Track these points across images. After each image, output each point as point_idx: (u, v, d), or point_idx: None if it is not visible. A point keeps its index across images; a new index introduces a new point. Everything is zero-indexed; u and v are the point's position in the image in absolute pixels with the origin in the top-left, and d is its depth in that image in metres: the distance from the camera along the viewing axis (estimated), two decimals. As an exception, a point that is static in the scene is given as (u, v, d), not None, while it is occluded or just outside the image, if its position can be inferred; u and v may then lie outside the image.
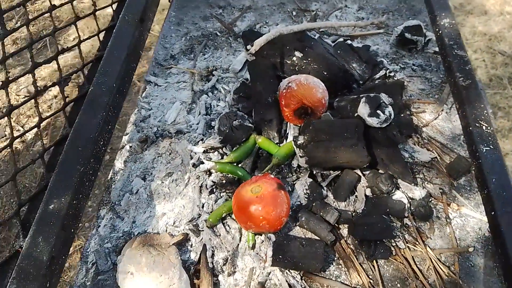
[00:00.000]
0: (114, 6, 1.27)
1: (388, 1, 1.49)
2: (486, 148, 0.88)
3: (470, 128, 0.92)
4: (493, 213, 0.80)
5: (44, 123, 1.27)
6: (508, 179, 0.84)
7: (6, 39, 1.00)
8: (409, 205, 0.95)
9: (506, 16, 2.99)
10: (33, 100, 0.97)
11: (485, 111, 0.94)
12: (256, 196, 0.88)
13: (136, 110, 1.30)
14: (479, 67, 2.75)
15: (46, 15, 1.08)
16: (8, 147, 0.89)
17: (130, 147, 1.21)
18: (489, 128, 0.91)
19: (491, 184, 0.83)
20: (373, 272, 0.88)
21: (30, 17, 1.03)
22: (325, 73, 1.07)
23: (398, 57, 1.28)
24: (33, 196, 0.88)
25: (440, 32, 1.12)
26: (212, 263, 0.94)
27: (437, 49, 1.25)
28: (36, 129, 0.94)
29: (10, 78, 0.95)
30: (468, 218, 0.94)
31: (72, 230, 0.91)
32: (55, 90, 2.22)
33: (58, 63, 1.05)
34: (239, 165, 1.05)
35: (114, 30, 1.18)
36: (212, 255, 0.95)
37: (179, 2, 1.68)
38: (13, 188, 1.02)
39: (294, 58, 1.11)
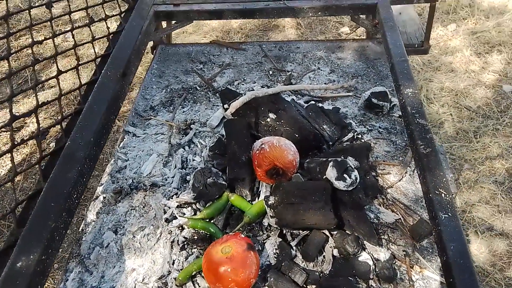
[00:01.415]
0: (98, 61, 1.31)
1: (357, 66, 1.59)
2: (445, 216, 0.93)
3: (430, 195, 0.98)
4: (451, 280, 0.85)
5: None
6: (465, 246, 0.89)
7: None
8: (374, 266, 0.98)
9: (471, 73, 3.21)
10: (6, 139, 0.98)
11: (444, 179, 1.01)
12: (226, 257, 0.90)
13: (112, 160, 1.32)
14: (446, 121, 2.90)
15: (29, 68, 1.11)
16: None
17: (104, 198, 1.22)
18: (447, 196, 0.97)
19: (450, 251, 0.87)
20: (338, 335, 0.90)
21: (13, 70, 1.06)
22: (297, 135, 1.13)
23: (366, 119, 1.37)
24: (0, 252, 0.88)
25: (403, 100, 1.20)
26: (180, 324, 0.94)
27: (401, 114, 1.34)
28: (9, 183, 0.95)
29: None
30: (430, 280, 0.98)
31: (39, 287, 0.90)
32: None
33: (37, 117, 1.08)
34: (212, 221, 1.07)
35: (96, 85, 1.22)
36: (181, 315, 0.95)
37: (162, 55, 1.75)
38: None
39: (268, 120, 1.17)
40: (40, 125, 1.08)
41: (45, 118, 2.55)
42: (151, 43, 1.78)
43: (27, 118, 2.79)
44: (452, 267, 0.85)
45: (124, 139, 1.39)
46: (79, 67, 1.26)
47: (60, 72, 1.18)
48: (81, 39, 1.27)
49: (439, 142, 2.77)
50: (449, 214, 0.93)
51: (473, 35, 3.48)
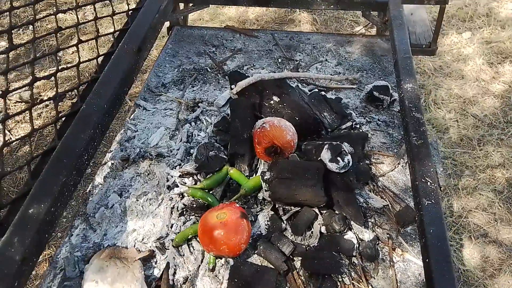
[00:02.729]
0: (116, 34, 1.38)
1: (364, 60, 1.64)
2: (428, 202, 0.99)
3: (417, 183, 1.03)
4: (427, 260, 0.90)
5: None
6: (444, 231, 0.94)
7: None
8: (358, 245, 1.04)
9: (481, 82, 3.23)
10: (23, 107, 1.06)
11: (432, 169, 1.06)
12: (220, 222, 0.97)
13: (122, 130, 1.40)
14: (452, 127, 2.93)
15: (50, 38, 1.19)
16: (-1, 151, 0.97)
17: (112, 164, 1.29)
18: (433, 184, 1.03)
19: (429, 235, 0.93)
20: (318, 304, 0.96)
21: (37, 35, 1.13)
22: (297, 118, 1.19)
23: (366, 111, 1.42)
24: (14, 199, 0.95)
25: (402, 94, 1.26)
26: (173, 281, 1.01)
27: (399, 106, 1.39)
28: (27, 138, 1.03)
29: (10, 88, 1.04)
30: (410, 263, 1.04)
31: (46, 236, 0.98)
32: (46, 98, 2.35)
33: (56, 81, 1.15)
34: (210, 191, 1.14)
35: (112, 57, 1.29)
36: (174, 273, 1.02)
37: (177, 36, 1.82)
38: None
39: (272, 102, 1.23)
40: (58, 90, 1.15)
41: (62, 86, 2.69)
42: (167, 24, 1.84)
43: (42, 91, 2.92)
44: (429, 249, 0.91)
45: (135, 112, 1.46)
46: (97, 39, 1.33)
47: (80, 41, 1.25)
48: (101, 15, 1.33)
49: (443, 147, 2.80)
50: (432, 201, 0.99)
51: (487, 44, 3.49)
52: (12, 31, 1.10)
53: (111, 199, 1.19)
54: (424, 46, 1.76)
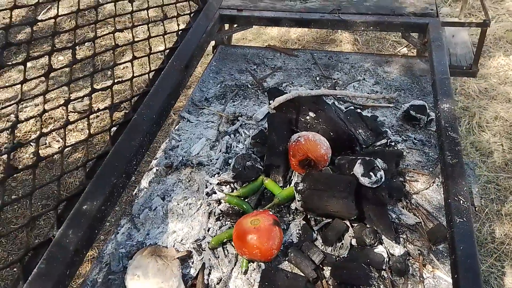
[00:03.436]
0: (166, 52, 1.51)
1: (402, 80, 1.67)
2: (460, 220, 1.00)
3: (449, 201, 1.04)
4: (456, 276, 0.91)
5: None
6: (475, 249, 0.95)
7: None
8: (388, 259, 1.06)
9: (528, 106, 3.11)
10: (75, 117, 1.18)
11: (465, 188, 1.07)
12: (254, 227, 1.03)
13: (167, 139, 1.51)
14: (496, 151, 2.84)
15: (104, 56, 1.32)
16: (59, 154, 1.09)
17: (157, 170, 1.39)
18: (465, 203, 1.03)
19: (459, 251, 0.94)
20: (345, 313, 0.99)
21: (97, 51, 1.26)
22: (332, 133, 1.24)
23: (402, 130, 1.44)
24: (70, 196, 1.06)
25: (439, 114, 1.27)
26: (208, 281, 1.08)
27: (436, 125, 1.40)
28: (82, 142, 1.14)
29: (71, 98, 1.17)
30: (441, 280, 1.05)
31: (96, 231, 1.08)
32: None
33: (112, 93, 1.28)
34: (246, 199, 1.21)
35: (162, 72, 1.41)
36: (209, 273, 1.09)
37: (221, 54, 1.93)
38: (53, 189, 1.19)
39: (308, 117, 1.29)
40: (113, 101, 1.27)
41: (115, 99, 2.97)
42: (212, 43, 1.96)
43: (93, 103, 3.16)
44: (458, 265, 0.92)
45: (179, 123, 1.57)
46: (150, 56, 1.45)
47: (134, 57, 1.38)
48: (153, 34, 1.47)
49: (486, 170, 2.72)
50: (464, 219, 0.99)
51: (536, 67, 3.37)
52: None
53: (154, 202, 1.29)
54: (464, 67, 1.76)
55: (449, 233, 1.00)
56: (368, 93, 1.57)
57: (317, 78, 1.72)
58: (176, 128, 1.55)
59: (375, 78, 1.69)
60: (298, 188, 1.11)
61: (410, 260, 1.08)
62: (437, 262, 1.08)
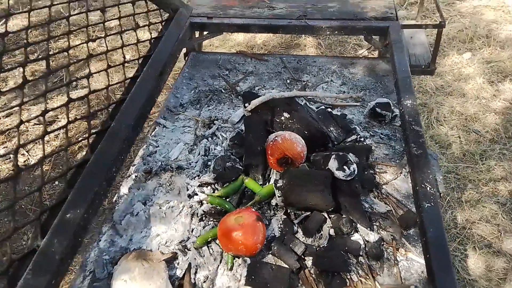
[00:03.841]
0: (140, 60, 1.53)
1: (366, 80, 1.77)
2: (428, 205, 1.09)
3: (417, 188, 1.13)
4: (428, 256, 0.99)
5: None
6: (443, 231, 1.04)
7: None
8: (364, 246, 1.13)
9: (482, 100, 3.33)
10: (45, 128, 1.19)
11: (431, 176, 1.16)
12: (238, 224, 1.07)
13: (144, 146, 1.52)
14: (454, 143, 3.02)
15: (83, 61, 1.34)
16: (38, 165, 1.09)
17: (136, 176, 1.41)
18: (432, 189, 1.12)
19: (429, 233, 1.03)
20: (328, 299, 1.05)
21: (71, 61, 1.27)
22: (306, 132, 1.30)
23: (370, 126, 1.53)
24: (53, 206, 1.07)
25: (403, 110, 1.37)
26: (195, 280, 1.11)
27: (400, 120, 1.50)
28: (63, 152, 1.15)
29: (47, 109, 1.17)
30: (413, 262, 1.13)
31: (80, 239, 1.09)
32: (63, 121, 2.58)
33: (88, 102, 1.29)
34: (227, 199, 1.25)
35: (138, 80, 1.43)
36: (196, 272, 1.12)
37: (193, 61, 1.96)
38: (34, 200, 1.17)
39: (282, 118, 1.35)
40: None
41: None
42: (184, 50, 1.99)
43: (60, 114, 3.12)
44: (429, 246, 1.00)
45: (156, 129, 1.59)
46: (124, 64, 1.47)
47: (109, 66, 1.40)
48: (126, 42, 1.49)
49: (446, 161, 2.89)
50: (432, 204, 1.08)
51: (487, 64, 3.61)
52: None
53: (136, 207, 1.30)
54: (423, 66, 1.88)
55: (419, 217, 1.09)
56: (336, 93, 1.65)
57: (288, 81, 1.79)
58: (152, 134, 1.57)
59: (342, 79, 1.79)
60: (278, 185, 1.16)
61: (384, 245, 1.16)
62: (409, 246, 1.16)
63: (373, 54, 3.68)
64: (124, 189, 1.38)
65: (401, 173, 1.36)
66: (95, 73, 1.36)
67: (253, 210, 1.14)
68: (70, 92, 1.21)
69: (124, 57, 1.47)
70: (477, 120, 3.17)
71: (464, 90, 3.44)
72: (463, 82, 3.51)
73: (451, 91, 3.44)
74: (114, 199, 1.36)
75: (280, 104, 1.39)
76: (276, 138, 1.24)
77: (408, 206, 1.26)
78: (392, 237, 1.18)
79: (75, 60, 1.38)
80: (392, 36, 1.71)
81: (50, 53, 1.26)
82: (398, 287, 1.07)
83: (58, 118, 3.18)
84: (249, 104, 1.30)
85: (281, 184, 1.16)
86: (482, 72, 3.54)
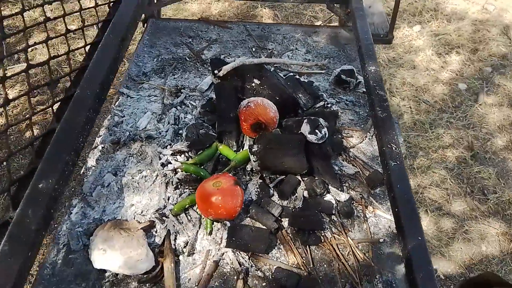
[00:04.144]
0: (100, 24, 1.45)
1: (330, 48, 1.81)
2: (394, 163, 1.16)
3: (384, 148, 1.20)
4: (396, 209, 1.07)
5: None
6: (409, 185, 1.11)
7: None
8: (336, 205, 1.19)
9: (431, 71, 3.52)
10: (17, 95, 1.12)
11: (396, 137, 1.23)
12: (217, 188, 1.08)
13: (109, 116, 1.47)
14: (406, 113, 3.19)
15: (41, 24, 1.25)
16: (3, 134, 1.02)
17: (103, 147, 1.36)
18: (397, 149, 1.19)
19: (396, 189, 1.10)
20: (306, 255, 1.10)
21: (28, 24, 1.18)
22: (277, 98, 1.32)
23: (335, 93, 1.58)
24: (22, 176, 1.01)
25: (367, 75, 1.42)
26: (174, 245, 1.11)
27: (365, 89, 1.56)
28: (27, 120, 1.08)
29: (7, 75, 1.09)
30: (381, 218, 1.21)
31: (52, 211, 1.04)
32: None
33: (49, 67, 1.21)
34: (202, 166, 1.25)
35: (100, 45, 1.36)
36: (175, 239, 1.12)
37: (152, 28, 1.89)
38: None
39: (253, 84, 1.36)
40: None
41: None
42: (142, 17, 1.91)
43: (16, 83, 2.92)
44: (397, 201, 1.07)
45: (119, 99, 1.53)
46: (84, 29, 1.39)
47: (68, 31, 1.31)
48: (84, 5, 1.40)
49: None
50: (398, 162, 1.15)
51: (435, 36, 3.80)
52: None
53: (106, 179, 1.27)
54: (382, 35, 1.95)
55: (386, 175, 1.16)
56: (302, 61, 1.67)
57: (253, 49, 1.78)
58: (116, 104, 1.51)
59: (306, 47, 1.81)
60: (253, 149, 1.18)
61: (354, 204, 1.23)
62: (376, 203, 1.24)
63: (327, 26, 3.74)
64: (91, 161, 1.33)
65: (366, 137, 1.43)
66: (54, 37, 1.28)
67: (230, 175, 1.15)
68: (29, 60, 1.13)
69: (83, 21, 1.39)
70: (426, 91, 3.35)
71: (415, 62, 3.61)
72: (414, 54, 3.67)
73: (402, 63, 3.59)
74: (82, 171, 1.31)
75: (250, 71, 1.39)
76: (249, 103, 1.25)
77: (374, 168, 1.33)
78: (361, 196, 1.25)
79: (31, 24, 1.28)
80: (354, 4, 1.75)
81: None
82: (369, 240, 1.15)
83: (15, 87, 3.00)
84: (220, 70, 1.29)
85: (257, 149, 1.18)
86: (430, 44, 3.72)
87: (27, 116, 1.10)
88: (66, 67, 3.09)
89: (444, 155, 2.93)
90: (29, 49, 1.42)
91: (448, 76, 3.47)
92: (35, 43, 1.22)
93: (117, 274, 1.07)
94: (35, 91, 2.49)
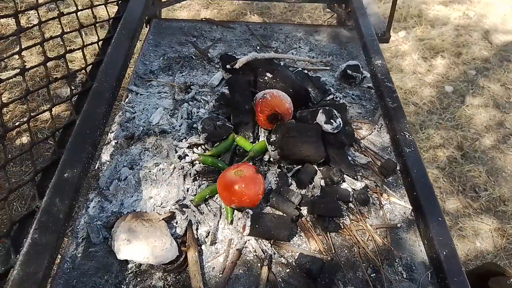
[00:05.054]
0: (111, 21, 1.46)
1: (332, 47, 1.86)
2: (409, 150, 1.20)
3: (397, 136, 1.24)
4: (415, 193, 1.10)
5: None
6: (424, 170, 1.15)
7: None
8: (352, 193, 1.22)
9: (418, 75, 3.63)
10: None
11: (407, 125, 1.27)
12: (240, 177, 1.09)
13: (120, 113, 1.47)
14: (397, 114, 3.27)
15: (56, 20, 1.25)
16: (26, 124, 1.01)
17: (116, 143, 1.36)
18: (410, 136, 1.24)
19: (413, 173, 1.13)
20: (327, 241, 1.12)
21: (43, 19, 1.18)
22: (291, 90, 1.35)
23: (341, 88, 1.62)
24: (46, 166, 1.01)
25: (374, 69, 1.47)
26: (197, 235, 1.12)
27: (370, 84, 1.61)
28: (47, 112, 1.08)
29: (26, 67, 1.09)
30: (396, 205, 1.24)
31: (73, 202, 1.04)
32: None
33: (66, 60, 1.21)
34: (219, 158, 1.26)
35: (113, 41, 1.37)
36: (197, 229, 1.13)
37: (156, 28, 1.90)
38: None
39: (266, 78, 1.38)
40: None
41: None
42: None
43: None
44: (415, 184, 1.11)
45: (129, 96, 1.53)
46: (96, 25, 1.39)
47: (81, 26, 1.31)
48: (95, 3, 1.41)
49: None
50: (412, 148, 1.19)
51: (420, 41, 3.93)
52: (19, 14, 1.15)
53: (123, 172, 1.26)
54: (379, 35, 2.01)
55: (401, 161, 1.20)
56: (309, 58, 1.71)
57: (258, 48, 1.81)
58: (126, 101, 1.51)
59: (309, 46, 1.85)
60: (271, 139, 1.20)
61: (369, 192, 1.26)
62: (390, 191, 1.27)
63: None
64: (105, 156, 1.33)
65: (374, 129, 1.47)
66: (68, 32, 1.28)
67: (250, 164, 1.17)
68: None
69: (95, 17, 1.40)
70: (415, 94, 3.45)
71: (402, 66, 3.71)
72: (400, 59, 3.78)
73: (390, 67, 3.69)
74: (96, 166, 1.30)
75: (262, 65, 1.41)
76: (265, 95, 1.27)
77: (385, 157, 1.37)
78: (375, 184, 1.28)
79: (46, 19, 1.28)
80: (355, 3, 1.81)
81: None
82: (386, 226, 1.17)
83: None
84: (236, 63, 1.31)
85: (275, 139, 1.20)
86: (416, 49, 3.84)
87: (46, 108, 1.09)
88: (75, 65, 3.15)
89: (436, 154, 3.01)
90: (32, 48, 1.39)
91: (435, 79, 3.59)
92: (51, 37, 1.22)
93: (140, 265, 1.07)
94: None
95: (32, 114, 1.00)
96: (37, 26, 1.18)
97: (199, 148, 1.29)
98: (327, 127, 1.25)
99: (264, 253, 1.08)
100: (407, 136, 1.22)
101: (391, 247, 1.13)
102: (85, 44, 1.28)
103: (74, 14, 1.34)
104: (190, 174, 1.24)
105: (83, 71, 1.25)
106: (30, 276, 0.81)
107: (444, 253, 0.96)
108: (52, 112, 1.08)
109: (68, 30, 1.26)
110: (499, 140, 3.10)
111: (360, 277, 1.06)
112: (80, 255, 1.09)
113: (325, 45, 1.86)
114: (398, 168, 1.27)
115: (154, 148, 1.33)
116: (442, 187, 2.83)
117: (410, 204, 1.16)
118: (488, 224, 2.61)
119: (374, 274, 1.07)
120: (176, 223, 1.15)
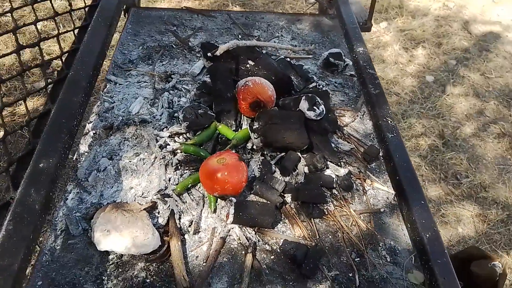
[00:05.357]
0: (87, 9, 1.41)
1: (314, 35, 1.85)
2: (391, 135, 1.20)
3: (380, 122, 1.24)
4: (397, 177, 1.11)
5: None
6: (407, 154, 1.16)
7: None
8: (336, 179, 1.22)
9: (399, 65, 3.66)
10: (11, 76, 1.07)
11: (389, 111, 1.28)
12: (222, 164, 1.08)
13: (98, 103, 1.43)
14: (379, 104, 3.29)
15: (30, 9, 1.20)
16: (-3, 113, 0.97)
17: (94, 133, 1.32)
18: (392, 122, 1.24)
19: (396, 158, 1.14)
20: (311, 227, 1.12)
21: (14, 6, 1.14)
22: (273, 77, 1.33)
23: (324, 76, 1.61)
24: (21, 156, 0.97)
25: (356, 57, 1.47)
26: (179, 225, 1.10)
27: (353, 72, 1.61)
28: (23, 105, 1.04)
29: (-3, 55, 1.04)
30: (379, 190, 1.24)
31: (51, 194, 1.01)
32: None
33: (40, 48, 1.16)
34: (201, 147, 1.24)
35: (89, 29, 1.33)
36: (179, 218, 1.11)
37: (135, 17, 1.86)
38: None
39: (248, 66, 1.37)
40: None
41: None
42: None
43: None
44: (397, 169, 1.11)
45: (107, 86, 1.49)
46: (71, 13, 1.35)
47: (56, 14, 1.27)
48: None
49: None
50: (394, 134, 1.20)
51: (402, 32, 3.96)
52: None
53: (102, 163, 1.23)
54: (361, 23, 2.01)
55: (384, 147, 1.20)
56: (291, 46, 1.70)
57: (239, 36, 1.79)
58: (105, 91, 1.47)
59: (291, 34, 1.84)
60: (254, 127, 1.18)
61: (353, 178, 1.26)
62: (374, 177, 1.27)
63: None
64: (83, 147, 1.29)
65: (357, 116, 1.47)
66: (42, 19, 1.23)
67: (233, 152, 1.15)
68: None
69: (71, 5, 1.35)
70: (396, 84, 3.48)
71: (384, 57, 3.74)
72: (382, 49, 3.81)
73: (372, 57, 3.71)
74: (74, 157, 1.27)
75: (244, 52, 1.39)
76: (247, 83, 1.25)
77: (367, 144, 1.37)
78: (358, 170, 1.28)
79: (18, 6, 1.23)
80: (336, -8, 1.80)
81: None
82: (370, 211, 1.18)
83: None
84: (216, 50, 1.28)
85: (258, 126, 1.18)
86: (397, 39, 3.87)
87: (21, 97, 1.05)
88: (52, 51, 3.02)
89: (418, 143, 3.04)
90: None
91: (416, 69, 3.62)
92: (24, 24, 1.17)
93: (121, 256, 1.04)
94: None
95: (4, 102, 0.96)
96: (10, 14, 1.14)
97: (181, 137, 1.27)
98: (310, 114, 1.24)
99: (248, 241, 1.07)
100: (389, 122, 1.22)
101: (375, 232, 1.13)
102: (60, 32, 1.24)
103: (49, 3, 1.29)
104: (172, 163, 1.22)
105: (58, 59, 1.20)
106: (5, 268, 0.78)
107: (427, 235, 0.97)
108: (29, 106, 1.04)
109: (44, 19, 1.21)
110: (479, 128, 3.16)
111: (345, 262, 1.06)
112: (59, 247, 1.06)
113: (307, 33, 1.85)
114: (381, 154, 1.27)
115: (134, 138, 1.30)
116: (424, 175, 2.87)
117: (393, 188, 1.16)
118: (470, 210, 2.66)
119: (358, 259, 1.07)
120: (158, 213, 1.13)
